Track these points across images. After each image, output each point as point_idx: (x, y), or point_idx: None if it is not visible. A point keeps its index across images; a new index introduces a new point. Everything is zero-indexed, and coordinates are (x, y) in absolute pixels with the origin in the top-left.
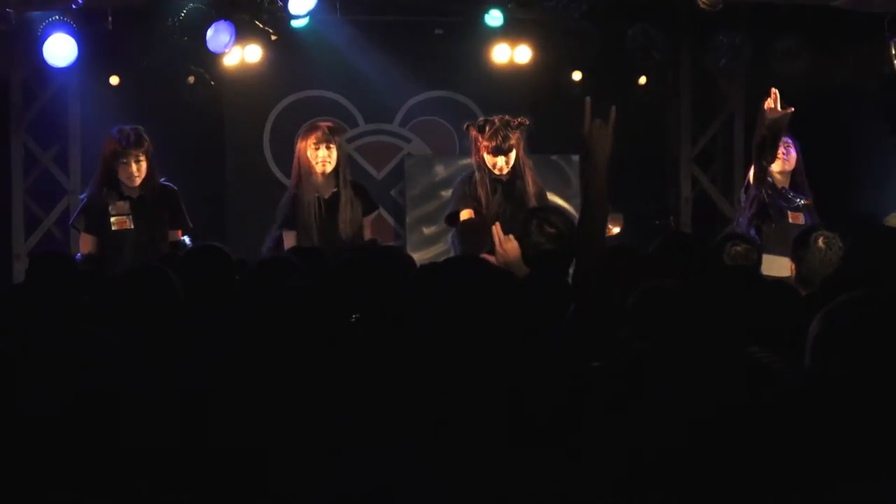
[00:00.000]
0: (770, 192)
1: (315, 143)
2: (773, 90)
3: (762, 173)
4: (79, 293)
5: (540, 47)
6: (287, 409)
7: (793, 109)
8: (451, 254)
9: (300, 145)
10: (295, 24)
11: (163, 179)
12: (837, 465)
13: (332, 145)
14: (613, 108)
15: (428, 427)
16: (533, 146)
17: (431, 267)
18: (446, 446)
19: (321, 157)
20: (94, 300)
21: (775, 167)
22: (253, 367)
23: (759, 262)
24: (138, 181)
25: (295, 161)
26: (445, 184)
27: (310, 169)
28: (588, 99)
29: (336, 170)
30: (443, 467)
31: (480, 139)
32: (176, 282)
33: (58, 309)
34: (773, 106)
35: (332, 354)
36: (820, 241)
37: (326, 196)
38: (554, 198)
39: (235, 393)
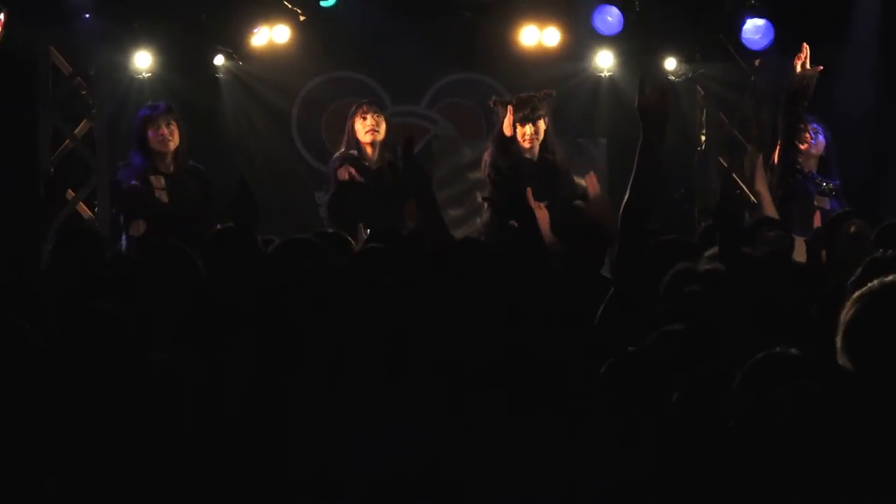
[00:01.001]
0: (798, 172)
1: (362, 114)
2: (805, 45)
3: (792, 126)
4: (103, 270)
5: (568, 30)
6: (301, 392)
7: (822, 68)
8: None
9: (349, 122)
10: (323, 2)
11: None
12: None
13: (379, 116)
14: (668, 80)
15: (449, 408)
16: (560, 129)
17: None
18: (468, 427)
19: (369, 126)
20: (116, 278)
21: (802, 148)
22: (269, 348)
23: (791, 247)
24: (172, 145)
25: (345, 136)
26: (472, 166)
27: (358, 139)
28: (642, 75)
29: (384, 142)
30: (465, 450)
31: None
32: (197, 261)
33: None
34: (803, 60)
35: (346, 333)
36: (851, 228)
37: (374, 167)
38: (581, 181)
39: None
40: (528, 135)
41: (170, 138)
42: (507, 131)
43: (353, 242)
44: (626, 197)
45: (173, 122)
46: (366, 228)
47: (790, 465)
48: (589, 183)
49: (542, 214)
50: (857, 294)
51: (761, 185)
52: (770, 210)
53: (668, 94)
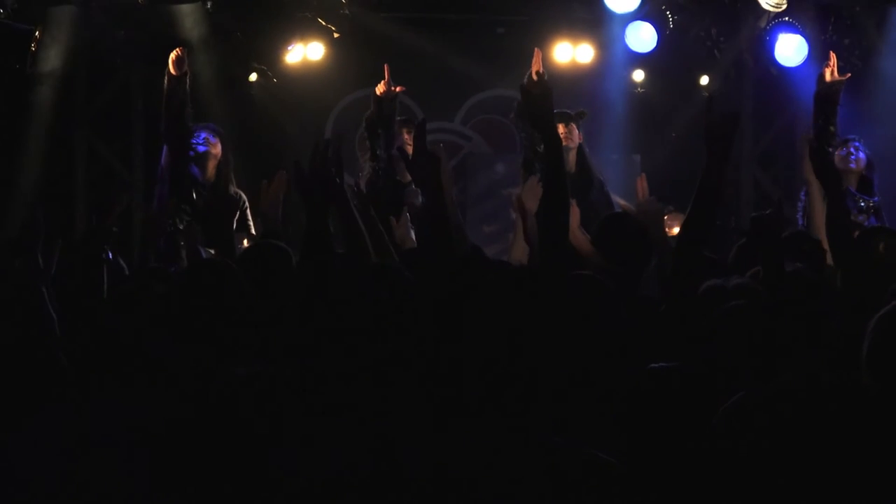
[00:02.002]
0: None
1: (408, 129)
2: (832, 54)
3: (821, 130)
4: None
5: (602, 47)
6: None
7: (849, 75)
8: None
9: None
10: None
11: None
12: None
13: (412, 133)
14: (736, 104)
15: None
16: (595, 146)
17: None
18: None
19: (401, 142)
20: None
21: (840, 166)
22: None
23: (823, 259)
24: (214, 151)
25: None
26: (506, 182)
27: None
28: (707, 95)
29: None
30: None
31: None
32: (243, 279)
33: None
34: (832, 68)
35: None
36: (881, 247)
37: (405, 182)
38: (615, 197)
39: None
40: (562, 133)
41: (212, 141)
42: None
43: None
44: (686, 217)
45: (217, 137)
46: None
47: (809, 480)
48: (639, 187)
49: (573, 211)
50: (880, 313)
51: (810, 174)
52: (818, 202)
53: (736, 119)
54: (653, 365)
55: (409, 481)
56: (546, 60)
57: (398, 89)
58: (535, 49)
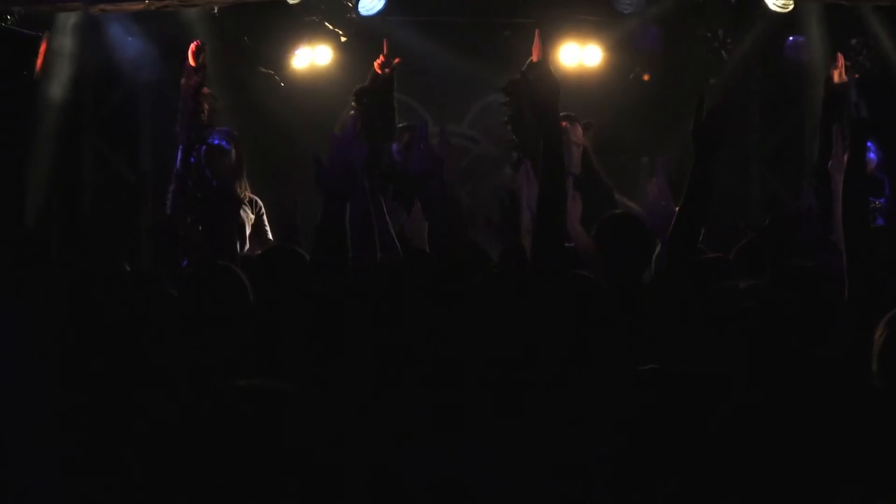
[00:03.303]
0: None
1: (399, 136)
2: (840, 55)
3: (828, 132)
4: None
5: (609, 49)
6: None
7: (858, 75)
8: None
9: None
10: (363, 11)
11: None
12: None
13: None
14: (726, 104)
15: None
16: (603, 148)
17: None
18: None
19: (403, 146)
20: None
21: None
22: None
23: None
24: (227, 158)
25: None
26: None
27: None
28: (703, 96)
29: None
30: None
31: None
32: (245, 282)
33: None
34: (839, 69)
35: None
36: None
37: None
38: (623, 199)
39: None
40: (566, 129)
41: (226, 148)
42: (535, 56)
43: None
44: (675, 221)
45: (232, 143)
46: None
47: (814, 481)
48: (649, 191)
49: (576, 205)
50: (888, 316)
51: (836, 171)
52: (838, 203)
53: (725, 119)
54: (642, 368)
55: (410, 484)
56: (553, 62)
57: (396, 61)
58: (536, 31)
